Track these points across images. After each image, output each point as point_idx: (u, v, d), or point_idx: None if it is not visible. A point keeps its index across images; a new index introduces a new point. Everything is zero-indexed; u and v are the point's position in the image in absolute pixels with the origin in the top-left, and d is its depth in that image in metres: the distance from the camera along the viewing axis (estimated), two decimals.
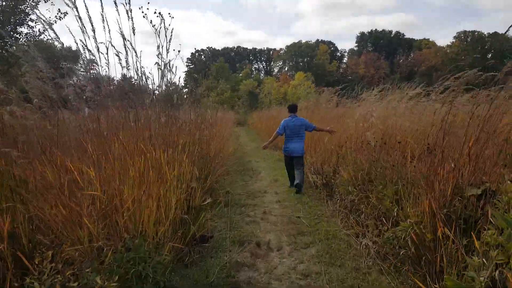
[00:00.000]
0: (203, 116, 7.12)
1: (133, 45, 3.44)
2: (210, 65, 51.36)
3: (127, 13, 3.26)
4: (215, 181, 5.78)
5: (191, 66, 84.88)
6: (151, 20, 3.63)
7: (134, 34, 3.38)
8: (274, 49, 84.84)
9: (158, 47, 3.83)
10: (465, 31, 62.10)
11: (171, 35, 3.84)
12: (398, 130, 4.54)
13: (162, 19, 3.76)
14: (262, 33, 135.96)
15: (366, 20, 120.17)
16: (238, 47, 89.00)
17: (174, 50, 4.00)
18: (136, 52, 3.51)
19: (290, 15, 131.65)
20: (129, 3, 3.24)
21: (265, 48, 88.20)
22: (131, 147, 3.15)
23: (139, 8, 3.45)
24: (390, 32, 78.29)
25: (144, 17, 3.49)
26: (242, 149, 12.77)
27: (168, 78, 4.63)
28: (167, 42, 3.84)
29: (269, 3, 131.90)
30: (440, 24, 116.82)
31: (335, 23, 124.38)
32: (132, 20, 3.27)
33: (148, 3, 3.56)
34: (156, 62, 4.07)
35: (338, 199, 5.07)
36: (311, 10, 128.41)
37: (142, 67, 3.68)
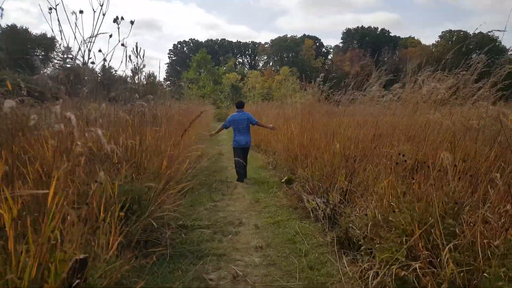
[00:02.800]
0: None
1: None
2: (191, 57, 48.66)
3: None
4: (159, 212, 3.64)
5: (174, 58, 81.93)
6: None
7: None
8: (259, 43, 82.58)
9: None
10: (450, 31, 61.75)
11: None
12: None
13: None
14: (245, 27, 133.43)
15: (350, 17, 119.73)
16: (222, 39, 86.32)
17: None
18: None
19: (274, 10, 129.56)
20: None
21: (250, 42, 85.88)
22: None
23: None
24: (376, 29, 77.35)
25: None
26: (218, 150, 10.64)
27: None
28: None
29: None
30: (424, 24, 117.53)
31: (319, 19, 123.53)
32: None
33: None
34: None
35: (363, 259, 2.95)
36: (295, 5, 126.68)
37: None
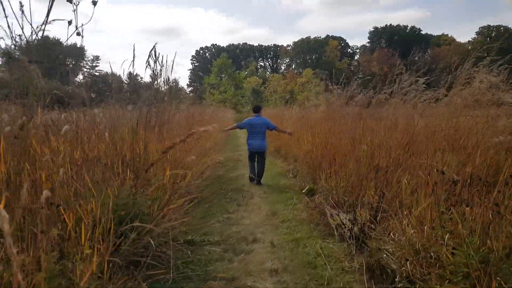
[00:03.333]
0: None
1: None
2: (213, 62, 48.81)
3: None
4: (162, 227, 3.24)
5: (196, 64, 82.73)
6: None
7: None
8: (281, 46, 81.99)
9: None
10: (488, 26, 58.34)
11: None
12: None
13: None
14: (267, 30, 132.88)
15: (376, 16, 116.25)
16: (244, 43, 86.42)
17: None
18: None
19: (295, 11, 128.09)
20: None
21: (272, 45, 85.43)
22: None
23: None
24: (406, 27, 74.54)
25: None
26: (236, 156, 10.24)
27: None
28: None
29: None
30: (457, 20, 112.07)
31: (342, 19, 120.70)
32: None
33: None
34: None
35: None
36: (317, 5, 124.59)
37: None
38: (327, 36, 75.31)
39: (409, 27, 73.99)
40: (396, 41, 69.84)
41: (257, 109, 6.93)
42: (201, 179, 5.49)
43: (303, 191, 5.29)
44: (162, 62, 5.55)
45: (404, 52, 65.14)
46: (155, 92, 8.40)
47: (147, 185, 3.38)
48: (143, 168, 3.35)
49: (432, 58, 59.74)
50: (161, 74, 5.65)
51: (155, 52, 5.89)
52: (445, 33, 68.50)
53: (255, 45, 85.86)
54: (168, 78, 7.72)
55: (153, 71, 6.83)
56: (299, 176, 6.64)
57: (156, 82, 7.95)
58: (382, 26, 75.68)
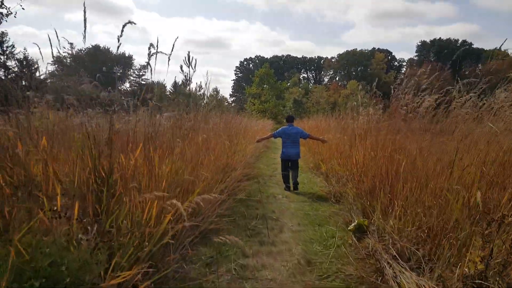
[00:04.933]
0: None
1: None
2: (255, 72, 48.25)
3: None
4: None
5: (239, 75, 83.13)
6: None
7: None
8: (325, 58, 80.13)
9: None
10: None
11: None
12: None
13: None
14: (309, 42, 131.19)
15: (423, 30, 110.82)
16: (288, 55, 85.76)
17: None
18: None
19: (339, 25, 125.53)
20: None
21: (315, 57, 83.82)
22: None
23: None
24: (456, 41, 70.02)
25: None
26: (270, 170, 8.98)
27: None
28: None
29: (318, 12, 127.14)
30: (510, 35, 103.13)
31: (387, 32, 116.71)
32: None
33: None
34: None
35: None
36: (362, 19, 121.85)
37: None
38: (373, 48, 72.53)
39: (460, 41, 69.17)
40: (446, 55, 65.43)
41: (290, 119, 7.17)
42: (218, 202, 4.30)
43: (350, 227, 3.88)
44: (195, 66, 5.43)
45: (453, 66, 60.12)
46: (186, 98, 7.46)
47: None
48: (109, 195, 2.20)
49: (482, 73, 54.26)
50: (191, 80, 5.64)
51: (189, 57, 5.69)
52: (498, 48, 62.77)
53: (298, 56, 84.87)
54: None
55: (185, 76, 6.15)
56: (343, 202, 5.23)
57: (188, 87, 7.05)
58: (430, 39, 71.59)
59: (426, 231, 2.72)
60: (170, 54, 3.63)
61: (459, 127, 3.47)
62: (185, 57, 7.17)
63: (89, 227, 1.93)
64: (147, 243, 2.28)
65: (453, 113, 3.92)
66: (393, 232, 3.07)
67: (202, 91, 9.12)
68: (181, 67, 6.79)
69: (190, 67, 6.36)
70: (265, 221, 4.46)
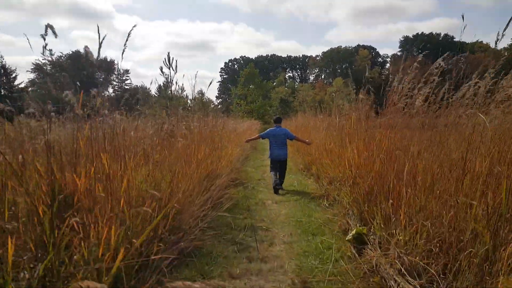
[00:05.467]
0: None
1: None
2: (240, 72, 47.81)
3: None
4: None
5: (225, 76, 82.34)
6: None
7: None
8: (310, 56, 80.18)
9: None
10: None
11: None
12: None
13: None
14: (294, 42, 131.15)
15: (405, 26, 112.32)
16: (273, 55, 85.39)
17: None
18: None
19: (322, 24, 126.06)
20: None
21: (300, 56, 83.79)
22: None
23: None
24: (438, 35, 70.91)
25: None
26: (259, 173, 8.60)
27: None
28: None
29: (300, 12, 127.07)
30: (489, 28, 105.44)
31: (370, 30, 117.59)
32: None
33: None
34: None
35: None
36: (344, 17, 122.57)
37: None
38: (357, 45, 72.88)
39: (442, 35, 70.13)
40: (429, 49, 65.95)
41: (277, 120, 7.27)
42: (203, 211, 3.88)
43: (348, 236, 3.51)
44: (176, 68, 5.22)
45: (436, 59, 59.95)
46: (167, 101, 7.05)
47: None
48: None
49: (466, 65, 55.06)
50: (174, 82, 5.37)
51: (169, 58, 5.45)
52: (480, 40, 63.92)
53: (283, 56, 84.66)
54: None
55: (166, 77, 5.91)
56: (338, 206, 4.87)
57: (169, 90, 6.50)
58: (413, 34, 72.36)
59: (438, 244, 2.36)
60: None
61: (465, 122, 3.13)
62: (165, 58, 6.69)
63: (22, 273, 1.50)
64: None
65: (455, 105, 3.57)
66: (399, 244, 2.70)
67: (184, 93, 8.66)
68: (161, 68, 6.37)
69: (171, 68, 6.25)
70: (254, 233, 4.06)
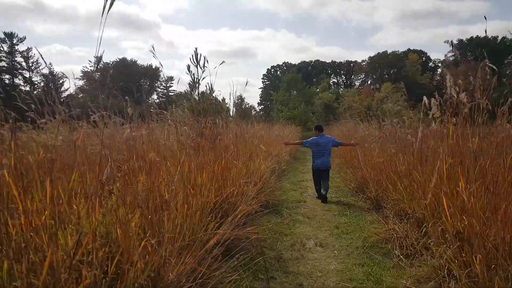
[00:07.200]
0: None
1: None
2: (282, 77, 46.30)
3: None
4: None
5: (267, 83, 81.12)
6: None
7: None
8: (355, 61, 76.83)
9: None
10: None
11: None
12: None
13: None
14: (337, 47, 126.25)
15: (455, 29, 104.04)
16: (316, 60, 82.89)
17: None
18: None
19: (366, 28, 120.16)
20: None
21: (344, 61, 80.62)
22: None
23: None
24: (495, 38, 64.53)
25: None
26: (298, 194, 6.91)
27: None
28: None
29: (343, 17, 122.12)
30: None
31: (418, 33, 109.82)
32: None
33: None
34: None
35: None
36: (389, 21, 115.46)
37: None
38: (407, 49, 68.62)
39: (499, 38, 63.66)
40: (485, 54, 59.95)
41: (320, 129, 7.04)
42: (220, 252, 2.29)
43: None
44: (204, 66, 4.95)
45: (494, 65, 53.81)
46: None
47: None
48: None
49: None
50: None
51: (196, 54, 4.93)
52: None
53: (327, 61, 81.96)
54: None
55: (192, 76, 5.31)
56: (422, 261, 3.05)
57: (196, 92, 5.68)
58: (467, 38, 66.67)
59: None
60: None
61: None
62: (192, 55, 5.26)
63: None
64: None
65: None
66: None
67: (214, 94, 7.29)
68: (188, 67, 5.32)
69: (198, 66, 5.22)
70: None
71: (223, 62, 5.59)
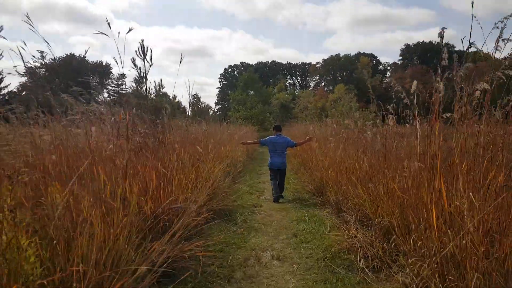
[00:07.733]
0: None
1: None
2: (239, 77, 45.87)
3: None
4: None
5: (224, 82, 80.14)
6: None
7: None
8: (310, 63, 78.48)
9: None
10: None
11: None
12: None
13: None
14: (293, 50, 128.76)
15: (401, 35, 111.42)
16: (273, 61, 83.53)
17: None
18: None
19: (320, 32, 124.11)
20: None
21: (300, 63, 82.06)
22: None
23: None
24: (439, 44, 69.28)
25: None
26: (251, 198, 6.48)
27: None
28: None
29: (298, 20, 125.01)
30: (486, 38, 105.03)
31: (368, 39, 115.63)
32: None
33: None
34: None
35: None
36: (342, 26, 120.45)
37: None
38: (358, 53, 71.33)
39: (442, 44, 68.72)
40: (430, 58, 64.63)
41: (278, 128, 7.07)
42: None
43: None
44: (151, 59, 4.50)
45: (437, 68, 58.23)
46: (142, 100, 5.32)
47: None
48: None
49: (466, 75, 53.45)
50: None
51: (142, 47, 4.64)
52: (480, 49, 62.42)
53: (283, 63, 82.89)
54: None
55: (138, 71, 4.91)
56: (389, 274, 2.72)
57: (142, 87, 5.25)
58: (414, 43, 71.05)
59: None
60: None
61: None
62: (138, 48, 4.76)
63: None
64: None
65: None
66: None
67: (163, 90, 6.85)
68: (134, 60, 4.80)
69: (145, 60, 4.74)
70: None
71: (183, 58, 5.08)
